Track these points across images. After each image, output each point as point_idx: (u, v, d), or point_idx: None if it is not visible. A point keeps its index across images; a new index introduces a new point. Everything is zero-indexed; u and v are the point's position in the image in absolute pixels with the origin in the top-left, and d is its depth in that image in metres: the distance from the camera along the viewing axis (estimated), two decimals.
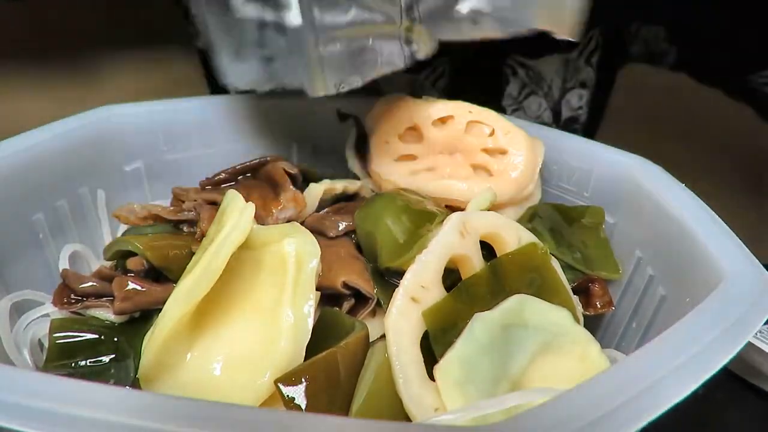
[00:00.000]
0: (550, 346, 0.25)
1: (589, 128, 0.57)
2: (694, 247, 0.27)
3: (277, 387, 0.23)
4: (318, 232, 0.32)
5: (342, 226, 0.32)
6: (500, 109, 0.48)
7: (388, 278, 0.29)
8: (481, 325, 0.24)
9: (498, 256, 0.28)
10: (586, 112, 0.55)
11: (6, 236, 0.31)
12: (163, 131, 0.40)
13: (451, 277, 0.27)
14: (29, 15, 0.50)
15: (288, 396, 0.22)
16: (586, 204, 0.36)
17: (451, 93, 0.54)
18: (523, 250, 0.28)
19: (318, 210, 0.35)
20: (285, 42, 0.31)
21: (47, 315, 0.30)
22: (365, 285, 0.28)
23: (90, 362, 0.28)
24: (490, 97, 0.54)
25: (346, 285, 0.28)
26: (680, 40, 0.52)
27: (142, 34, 0.54)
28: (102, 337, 0.28)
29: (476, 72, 0.54)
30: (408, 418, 0.22)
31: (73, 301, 0.30)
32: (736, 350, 0.20)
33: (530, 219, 0.34)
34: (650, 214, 0.31)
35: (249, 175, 0.36)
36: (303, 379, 0.23)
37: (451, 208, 0.32)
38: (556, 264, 0.29)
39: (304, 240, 0.27)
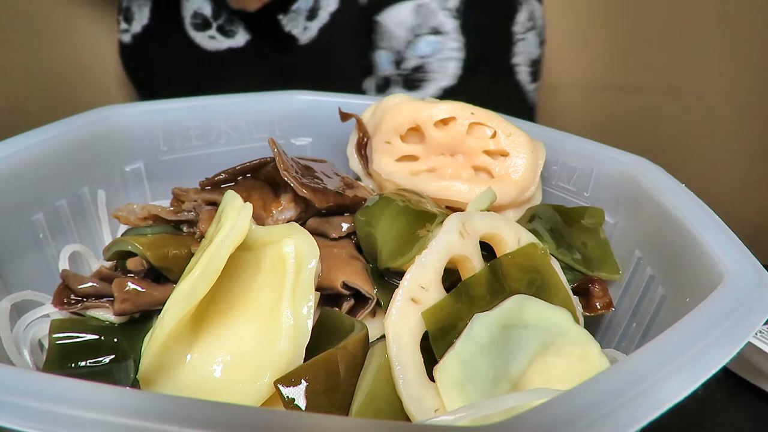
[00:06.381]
0: (549, 346, 0.25)
1: None
2: (694, 247, 0.27)
3: (277, 388, 0.23)
4: (320, 234, 0.32)
5: (344, 227, 0.32)
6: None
7: (388, 278, 0.29)
8: (481, 325, 0.24)
9: (498, 256, 0.28)
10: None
11: (6, 236, 0.31)
12: (163, 131, 0.40)
13: (451, 277, 0.26)
14: None
15: (288, 397, 0.22)
16: (586, 204, 0.36)
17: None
18: (523, 250, 0.28)
19: (318, 210, 0.35)
20: None
21: (47, 315, 0.30)
22: (365, 285, 0.28)
23: (90, 363, 0.28)
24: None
25: (345, 285, 0.28)
26: None
27: None
28: (102, 338, 0.28)
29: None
30: (408, 419, 0.22)
31: (73, 301, 0.30)
32: (736, 350, 0.20)
33: (530, 220, 0.34)
34: (650, 214, 0.31)
35: (249, 175, 0.36)
36: (303, 380, 0.23)
37: (452, 209, 0.32)
38: (555, 264, 0.29)
39: (304, 240, 0.27)
